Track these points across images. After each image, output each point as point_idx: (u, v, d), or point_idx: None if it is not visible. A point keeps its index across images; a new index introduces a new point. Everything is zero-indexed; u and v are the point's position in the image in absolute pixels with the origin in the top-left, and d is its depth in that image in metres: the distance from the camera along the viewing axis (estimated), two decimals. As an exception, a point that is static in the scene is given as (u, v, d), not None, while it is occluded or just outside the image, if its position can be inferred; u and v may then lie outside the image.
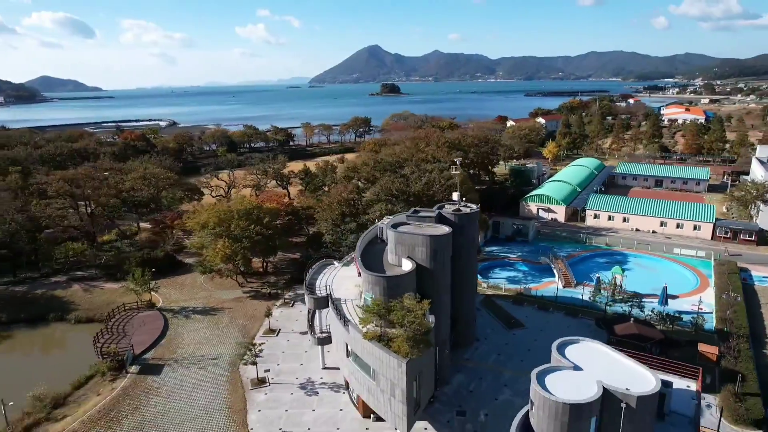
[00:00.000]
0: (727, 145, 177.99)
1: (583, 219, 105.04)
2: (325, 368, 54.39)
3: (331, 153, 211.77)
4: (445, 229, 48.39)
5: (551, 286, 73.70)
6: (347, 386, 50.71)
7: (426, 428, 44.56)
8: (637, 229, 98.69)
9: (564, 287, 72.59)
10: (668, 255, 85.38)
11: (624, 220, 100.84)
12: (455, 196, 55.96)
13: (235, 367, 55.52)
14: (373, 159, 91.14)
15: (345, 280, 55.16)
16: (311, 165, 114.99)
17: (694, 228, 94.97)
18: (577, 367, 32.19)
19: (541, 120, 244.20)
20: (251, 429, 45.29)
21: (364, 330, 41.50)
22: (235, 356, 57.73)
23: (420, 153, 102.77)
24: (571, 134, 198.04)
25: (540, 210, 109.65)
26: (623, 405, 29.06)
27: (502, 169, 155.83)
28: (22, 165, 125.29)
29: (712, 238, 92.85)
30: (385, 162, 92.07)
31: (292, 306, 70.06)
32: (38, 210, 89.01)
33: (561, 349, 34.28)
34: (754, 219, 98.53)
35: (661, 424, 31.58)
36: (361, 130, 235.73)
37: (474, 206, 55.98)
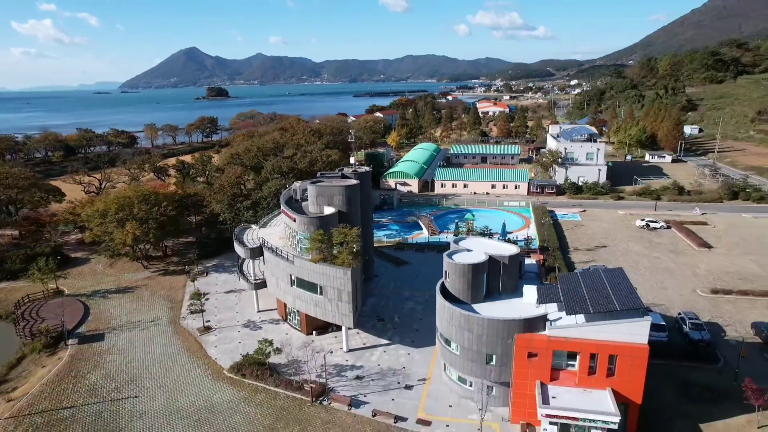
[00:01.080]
0: (528, 129, 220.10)
1: (432, 188, 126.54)
2: (259, 311, 63.84)
3: (181, 153, 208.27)
4: (354, 181, 61.91)
5: (421, 236, 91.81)
6: (284, 318, 61.25)
7: (358, 332, 57.65)
8: (474, 192, 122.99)
9: (431, 235, 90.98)
10: (500, 207, 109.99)
11: (464, 186, 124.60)
12: (352, 159, 69.56)
13: (176, 324, 61.89)
14: (256, 146, 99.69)
15: (268, 236, 65.33)
16: (186, 158, 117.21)
17: (515, 187, 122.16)
18: (468, 250, 48.49)
19: (379, 115, 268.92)
20: (216, 359, 53.55)
21: (309, 258, 53.05)
22: (171, 317, 63.78)
23: (292, 140, 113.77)
24: (408, 125, 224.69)
25: (397, 184, 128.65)
26: (502, 263, 45.98)
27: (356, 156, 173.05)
28: None
29: (528, 194, 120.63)
30: (266, 147, 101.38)
31: (207, 275, 76.75)
32: None
33: (457, 242, 50.50)
34: (552, 177, 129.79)
35: (521, 280, 49.26)
36: (209, 129, 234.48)
37: (367, 167, 70.25)
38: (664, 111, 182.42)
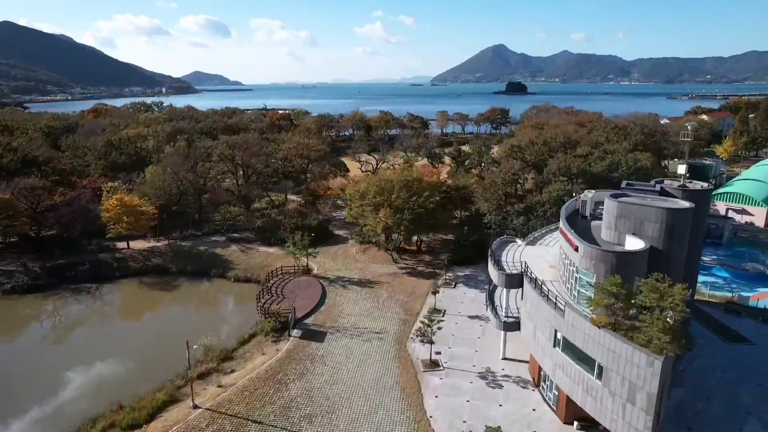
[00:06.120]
0: None
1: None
2: (505, 359, 47.30)
3: (466, 143, 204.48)
4: (684, 203, 38.85)
5: (772, 298, 59.75)
6: (536, 383, 43.22)
7: (651, 448, 35.60)
8: None
9: (792, 301, 58.25)
10: None
11: None
12: (681, 168, 45.60)
13: (401, 344, 50.53)
14: (542, 139, 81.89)
15: (534, 259, 47.78)
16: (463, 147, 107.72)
17: None
18: None
19: (705, 117, 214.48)
20: (431, 417, 39.54)
21: (589, 313, 33.75)
22: (400, 333, 52.88)
23: (589, 136, 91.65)
24: (750, 133, 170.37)
25: (730, 210, 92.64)
26: None
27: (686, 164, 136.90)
28: (187, 135, 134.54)
29: None
30: (555, 143, 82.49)
31: (454, 287, 63.86)
32: (203, 171, 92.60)
33: None
34: None
35: None
36: (498, 121, 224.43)
37: (705, 184, 45.32)
38: None
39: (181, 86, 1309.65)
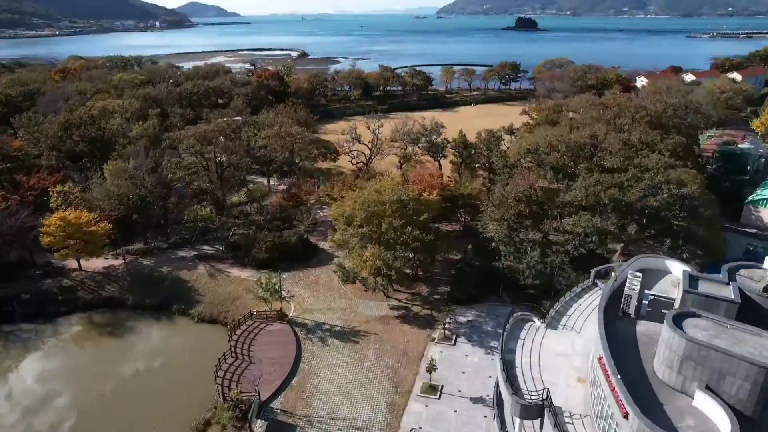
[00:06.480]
0: None
1: None
2: (516, 483, 37.66)
3: (472, 102, 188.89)
4: (789, 350, 27.36)
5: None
6: None
7: None
8: None
9: None
10: None
11: None
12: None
13: (387, 450, 40.91)
14: (564, 143, 68.43)
15: (556, 360, 37.44)
16: (468, 129, 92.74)
17: None
18: None
19: (736, 76, 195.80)
20: None
21: None
22: (386, 427, 43.03)
23: (615, 124, 79.07)
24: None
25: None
26: None
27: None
28: (161, 106, 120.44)
29: None
30: (577, 145, 69.31)
31: (454, 344, 53.51)
32: (169, 170, 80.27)
33: None
34: None
35: None
36: (508, 76, 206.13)
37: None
38: None
39: (176, 20, 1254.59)
